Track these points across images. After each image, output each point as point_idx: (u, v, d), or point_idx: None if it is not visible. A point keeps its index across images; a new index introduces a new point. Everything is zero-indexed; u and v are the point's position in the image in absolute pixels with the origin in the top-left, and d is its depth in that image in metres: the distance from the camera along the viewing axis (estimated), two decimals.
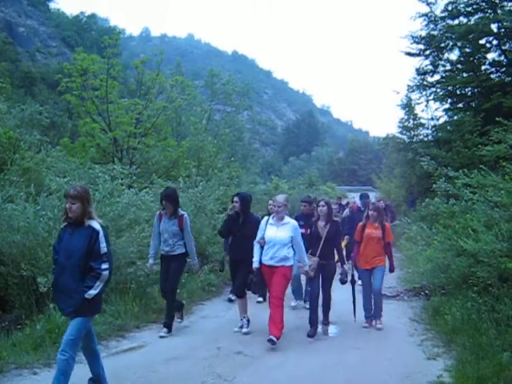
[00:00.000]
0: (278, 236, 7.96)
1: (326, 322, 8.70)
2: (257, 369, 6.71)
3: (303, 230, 8.95)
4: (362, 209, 12.82)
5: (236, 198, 8.95)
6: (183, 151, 21.01)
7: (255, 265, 8.10)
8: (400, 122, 25.45)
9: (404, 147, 25.00)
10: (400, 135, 26.03)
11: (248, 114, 43.87)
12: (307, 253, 8.33)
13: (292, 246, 8.09)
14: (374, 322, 9.09)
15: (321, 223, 8.65)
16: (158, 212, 8.81)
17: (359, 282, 9.72)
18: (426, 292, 10.95)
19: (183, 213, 8.64)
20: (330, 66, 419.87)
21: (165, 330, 8.24)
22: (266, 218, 8.42)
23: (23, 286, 8.24)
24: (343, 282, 8.74)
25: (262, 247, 8.14)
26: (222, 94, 31.61)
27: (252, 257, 8.14)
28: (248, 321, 8.65)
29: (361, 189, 50.79)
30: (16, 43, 63.39)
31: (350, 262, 9.91)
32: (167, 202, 8.43)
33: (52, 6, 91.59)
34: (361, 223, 9.26)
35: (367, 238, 9.03)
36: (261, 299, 10.53)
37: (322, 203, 8.69)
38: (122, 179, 12.14)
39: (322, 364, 6.83)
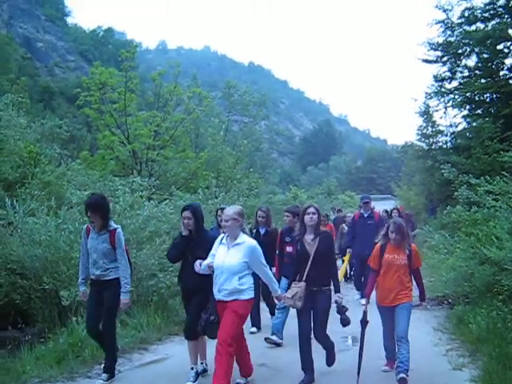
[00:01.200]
0: (226, 261, 5.98)
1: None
2: (280, 381, 6.64)
3: (290, 249, 8.01)
4: (366, 215, 12.03)
5: (187, 213, 6.66)
6: (202, 162, 21.11)
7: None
8: (418, 130, 25.37)
9: (423, 155, 24.88)
10: (419, 143, 25.95)
11: (265, 124, 44.04)
12: (295, 277, 6.64)
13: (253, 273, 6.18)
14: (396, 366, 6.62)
15: (308, 237, 6.57)
16: (85, 226, 6.95)
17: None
18: (450, 301, 10.81)
19: (116, 226, 6.73)
20: (347, 74, 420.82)
21: (104, 375, 6.48)
22: (221, 236, 6.34)
23: (46, 299, 8.28)
24: (344, 322, 6.64)
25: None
26: (240, 104, 31.71)
27: (207, 286, 6.25)
28: (204, 370, 6.84)
29: (379, 197, 50.62)
30: (35, 58, 64.33)
31: (363, 296, 7.90)
32: (92, 213, 6.56)
33: (69, 20, 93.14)
34: (378, 244, 6.88)
35: (387, 266, 6.65)
36: (254, 329, 9.10)
37: (310, 210, 6.59)
38: (141, 191, 12.19)
39: (346, 375, 6.75)
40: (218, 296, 6.05)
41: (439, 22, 20.61)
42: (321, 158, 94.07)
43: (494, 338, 7.31)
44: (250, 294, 6.08)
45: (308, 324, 6.56)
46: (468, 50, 20.11)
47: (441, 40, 20.87)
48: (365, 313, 6.83)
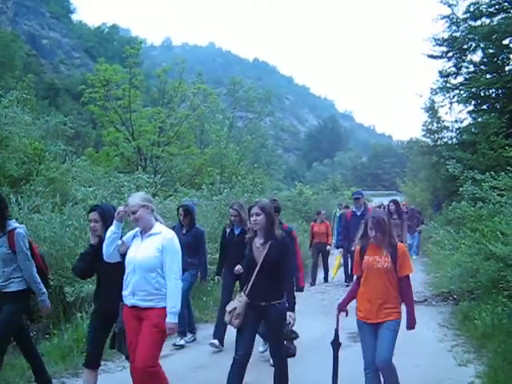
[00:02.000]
0: (138, 255, 4.89)
1: None
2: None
3: None
4: (359, 213, 11.41)
5: (94, 215, 5.36)
6: (206, 159, 21.09)
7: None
8: (424, 125, 25.35)
9: (428, 150, 24.86)
10: (424, 138, 25.92)
11: (270, 121, 43.95)
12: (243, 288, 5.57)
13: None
14: None
15: (257, 241, 5.41)
16: None
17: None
18: (455, 297, 10.80)
19: (15, 226, 5.59)
20: (352, 70, 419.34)
21: None
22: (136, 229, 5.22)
23: (50, 295, 8.26)
24: (289, 353, 5.59)
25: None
26: (244, 101, 31.68)
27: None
28: None
29: (385, 193, 50.53)
30: (40, 55, 64.36)
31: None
32: None
33: (74, 17, 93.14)
34: (358, 246, 5.60)
35: (367, 271, 5.35)
36: (215, 342, 7.82)
37: (253, 210, 5.37)
38: (146, 188, 12.20)
39: (350, 371, 6.74)
40: (130, 300, 4.86)
41: (444, 17, 20.57)
42: (326, 154, 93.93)
43: (500, 334, 7.31)
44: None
45: (247, 347, 5.33)
46: (473, 45, 20.05)
47: (446, 35, 20.85)
48: (336, 332, 5.64)
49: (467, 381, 6.24)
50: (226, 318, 5.31)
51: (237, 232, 7.91)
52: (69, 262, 8.40)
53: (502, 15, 18.98)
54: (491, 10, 19.16)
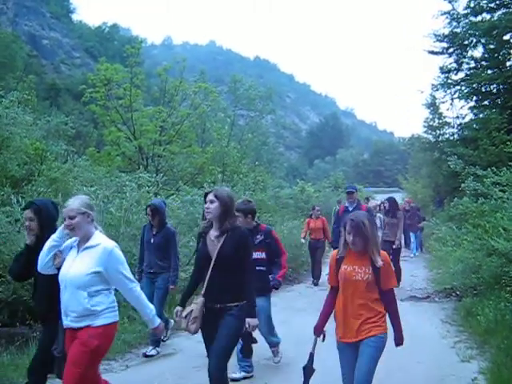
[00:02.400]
0: (71, 271, 4.31)
1: None
2: (288, 375, 6.64)
3: (260, 255, 6.64)
4: (351, 209, 10.39)
5: (29, 212, 4.85)
6: (208, 157, 21.09)
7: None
8: (425, 122, 25.37)
9: (430, 147, 24.86)
10: (425, 135, 25.95)
11: (272, 119, 43.95)
12: (193, 288, 5.08)
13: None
14: None
15: (212, 233, 4.80)
16: None
17: None
18: (457, 293, 10.81)
19: None
20: (353, 67, 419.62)
21: None
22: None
23: None
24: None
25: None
26: (245, 99, 31.65)
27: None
28: None
29: (387, 190, 50.52)
30: (40, 56, 64.42)
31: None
32: None
33: (75, 17, 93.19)
34: (334, 252, 4.91)
35: (344, 283, 4.59)
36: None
37: (208, 197, 4.79)
38: (148, 187, 12.21)
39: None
40: (64, 321, 4.36)
41: (445, 13, 20.55)
42: (327, 152, 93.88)
43: (503, 330, 7.31)
44: (107, 318, 4.35)
45: (212, 362, 4.64)
46: (474, 40, 20.03)
47: (447, 31, 20.83)
48: (311, 356, 4.85)
49: (470, 377, 6.24)
50: (182, 324, 4.71)
51: None
52: None
53: (502, 10, 18.94)
54: (492, 5, 19.14)
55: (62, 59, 71.94)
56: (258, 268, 6.33)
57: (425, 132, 25.90)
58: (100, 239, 4.43)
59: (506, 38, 19.00)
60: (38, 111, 21.76)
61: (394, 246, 12.50)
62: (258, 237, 6.64)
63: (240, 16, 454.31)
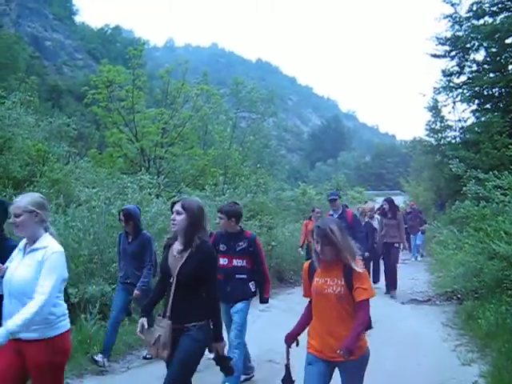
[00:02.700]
0: (16, 276, 3.83)
1: None
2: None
3: (225, 261, 6.17)
4: (336, 216, 9.89)
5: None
6: (210, 159, 21.10)
7: None
8: (427, 125, 25.38)
9: (432, 150, 24.85)
10: (427, 138, 25.94)
11: (273, 121, 43.96)
12: (151, 307, 4.69)
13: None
14: None
15: (176, 247, 4.37)
16: None
17: None
18: (459, 296, 10.80)
19: None
20: (355, 70, 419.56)
21: None
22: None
23: None
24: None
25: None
26: (247, 101, 31.69)
27: None
28: None
29: (388, 193, 50.51)
30: (43, 57, 64.60)
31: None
32: None
33: (77, 19, 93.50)
34: (306, 264, 4.44)
35: (316, 297, 4.21)
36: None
37: (176, 207, 4.35)
38: (150, 189, 12.22)
39: None
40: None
41: (447, 16, 20.58)
42: (329, 154, 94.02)
43: (503, 334, 7.31)
44: (61, 328, 3.89)
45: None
46: (476, 44, 20.05)
47: (449, 34, 20.87)
48: (287, 368, 4.37)
49: (471, 380, 6.24)
50: (151, 350, 4.31)
51: None
52: (73, 264, 8.43)
53: (504, 14, 18.97)
54: (494, 8, 19.17)
55: (65, 61, 72.12)
56: (238, 276, 6.13)
57: (427, 135, 25.93)
58: (47, 242, 3.89)
59: (508, 41, 19.02)
60: (40, 112, 21.79)
61: (401, 250, 12.53)
62: (240, 243, 6.18)
63: (242, 18, 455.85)
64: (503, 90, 19.36)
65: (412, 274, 15.49)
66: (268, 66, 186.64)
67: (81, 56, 76.74)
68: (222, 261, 6.09)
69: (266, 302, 6.51)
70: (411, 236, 19.29)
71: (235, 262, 6.12)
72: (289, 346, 4.38)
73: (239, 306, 6.11)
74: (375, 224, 13.03)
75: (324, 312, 4.12)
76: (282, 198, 24.62)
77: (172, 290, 4.22)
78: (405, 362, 7.08)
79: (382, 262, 13.12)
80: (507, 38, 18.81)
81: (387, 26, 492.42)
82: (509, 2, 18.71)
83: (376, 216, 13.52)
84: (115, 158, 20.20)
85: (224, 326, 5.55)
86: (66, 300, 8.08)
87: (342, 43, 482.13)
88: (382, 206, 13.66)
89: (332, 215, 10.06)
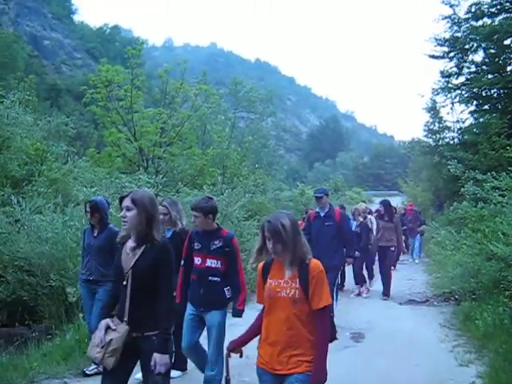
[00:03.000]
0: None
1: None
2: None
3: (199, 261, 5.64)
4: (323, 214, 9.25)
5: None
6: (208, 159, 21.11)
7: None
8: (425, 126, 25.35)
9: (430, 151, 24.85)
10: (425, 139, 25.91)
11: (272, 121, 44.00)
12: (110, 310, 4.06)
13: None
14: None
15: (129, 245, 3.96)
16: None
17: None
18: (456, 297, 10.80)
19: None
20: (354, 71, 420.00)
21: None
22: None
23: (52, 296, 8.33)
24: None
25: None
26: (246, 101, 31.71)
27: None
28: None
29: (386, 193, 50.60)
30: (42, 56, 64.62)
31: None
32: None
33: (76, 18, 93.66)
34: (260, 264, 3.85)
35: (269, 300, 3.73)
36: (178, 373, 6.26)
37: (125, 202, 3.88)
38: (148, 188, 12.23)
39: (351, 371, 6.75)
40: None
41: (446, 17, 20.57)
42: (327, 155, 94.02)
43: (501, 334, 7.31)
44: None
45: None
46: (475, 45, 20.04)
47: (447, 35, 20.85)
48: (227, 381, 3.97)
49: (468, 381, 6.23)
50: (96, 353, 3.75)
51: (168, 235, 6.28)
52: (71, 263, 8.46)
53: (503, 15, 18.97)
54: (493, 10, 19.16)
55: (63, 60, 72.20)
56: (211, 278, 5.50)
57: (425, 136, 25.87)
58: None
59: (507, 42, 19.03)
60: (39, 112, 21.82)
61: (400, 255, 12.45)
62: (215, 242, 5.56)
63: (241, 18, 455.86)
64: (502, 91, 19.37)
65: (410, 274, 15.50)
66: (267, 65, 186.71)
67: (79, 55, 76.80)
68: (196, 260, 5.63)
69: (239, 315, 5.59)
70: (410, 239, 19.13)
71: (209, 262, 5.55)
72: (228, 356, 3.94)
73: (215, 318, 5.49)
74: (369, 224, 12.99)
75: (276, 318, 3.64)
76: (281, 198, 24.69)
77: (128, 292, 3.78)
78: (402, 362, 7.09)
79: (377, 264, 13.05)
80: (506, 39, 18.81)
81: (386, 27, 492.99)
82: (507, 3, 18.71)
83: (369, 217, 13.44)
84: (114, 157, 20.21)
85: (185, 332, 5.58)
86: (64, 299, 8.15)
87: (340, 43, 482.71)
88: (377, 209, 13.57)
89: (318, 213, 9.33)
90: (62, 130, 18.22)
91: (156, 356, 3.65)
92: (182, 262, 5.77)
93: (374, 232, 12.73)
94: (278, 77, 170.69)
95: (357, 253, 12.29)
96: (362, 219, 12.77)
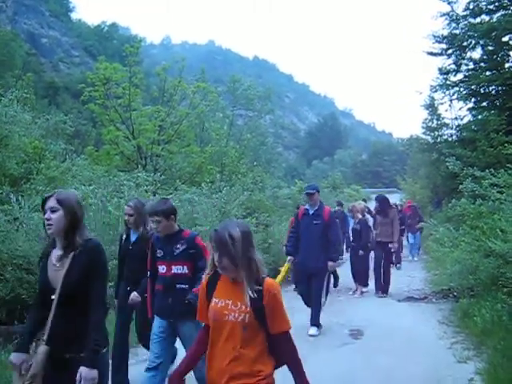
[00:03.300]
0: None
1: None
2: (285, 374, 6.65)
3: (163, 269, 5.21)
4: (311, 212, 8.79)
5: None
6: (206, 157, 21.11)
7: None
8: (424, 123, 25.33)
9: (428, 148, 24.84)
10: (424, 136, 25.90)
11: (270, 119, 43.99)
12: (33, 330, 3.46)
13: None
14: None
15: (55, 254, 3.47)
16: None
17: None
18: (455, 294, 10.81)
19: None
20: (352, 68, 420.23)
21: None
22: None
23: None
24: None
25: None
26: (244, 99, 31.67)
27: None
28: None
29: (385, 191, 50.67)
30: (39, 54, 64.55)
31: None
32: None
33: (74, 16, 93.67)
34: (206, 277, 3.31)
35: (214, 323, 3.15)
36: None
37: (49, 203, 3.51)
38: (146, 186, 12.24)
39: (350, 368, 6.76)
40: None
41: (444, 14, 20.55)
42: (326, 152, 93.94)
43: (499, 331, 7.32)
44: None
45: None
46: (473, 42, 20.03)
47: (446, 32, 20.82)
48: None
49: (467, 378, 6.25)
50: (16, 381, 3.28)
51: (133, 239, 6.10)
52: None
53: (501, 12, 18.95)
54: (491, 7, 19.15)
55: (61, 58, 72.11)
56: (178, 286, 5.07)
57: (423, 133, 25.87)
58: None
59: (505, 39, 19.02)
60: (37, 110, 21.79)
61: (392, 250, 12.39)
62: (178, 246, 5.12)
63: (239, 16, 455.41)
64: (500, 88, 19.38)
65: (408, 271, 15.53)
66: (265, 63, 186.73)
67: (77, 53, 76.72)
68: (161, 268, 5.20)
69: (194, 301, 4.52)
70: (410, 235, 19.08)
71: (174, 269, 5.10)
72: None
73: (188, 331, 4.97)
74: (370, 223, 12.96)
75: (223, 345, 3.08)
76: (279, 195, 24.62)
77: (52, 308, 3.25)
78: (401, 359, 7.10)
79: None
80: (504, 36, 18.80)
81: (384, 24, 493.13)
82: (506, 0, 18.71)
83: (367, 216, 13.42)
84: (112, 155, 20.21)
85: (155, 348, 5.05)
86: None
87: (338, 41, 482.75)
88: (372, 211, 13.54)
89: (307, 210, 8.86)
90: (60, 128, 18.20)
91: (82, 370, 3.14)
92: (149, 273, 5.44)
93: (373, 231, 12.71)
94: (276, 74, 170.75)
95: (361, 251, 12.28)
96: (361, 216, 12.71)
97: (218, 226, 3.22)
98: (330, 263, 8.60)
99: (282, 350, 3.17)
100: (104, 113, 20.61)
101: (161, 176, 16.04)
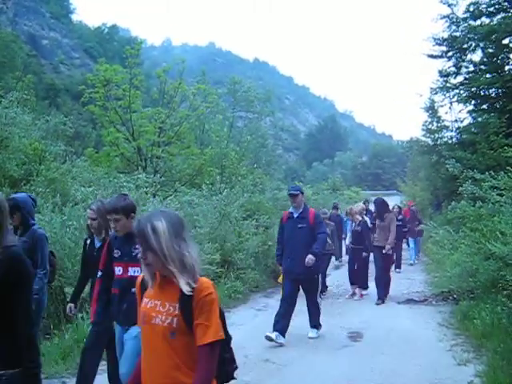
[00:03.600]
0: None
1: None
2: (285, 376, 6.66)
3: (119, 271, 4.84)
4: (296, 215, 8.47)
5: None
6: (206, 159, 21.10)
7: None
8: (424, 125, 25.29)
9: (428, 150, 24.82)
10: (424, 138, 25.85)
11: (270, 121, 43.95)
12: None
13: None
14: None
15: None
16: None
17: None
18: (454, 296, 10.82)
19: None
20: (352, 70, 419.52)
21: None
22: None
23: (51, 295, 8.31)
24: None
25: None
26: (244, 101, 31.68)
27: None
28: None
29: (385, 193, 50.66)
30: (40, 56, 64.59)
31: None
32: None
33: (74, 18, 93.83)
34: (140, 276, 3.02)
35: (144, 326, 2.72)
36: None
37: None
38: (146, 188, 12.24)
39: (350, 370, 6.76)
40: None
41: (444, 16, 20.54)
42: (326, 154, 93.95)
43: (499, 334, 7.33)
44: None
45: None
46: (473, 44, 20.02)
47: (446, 35, 20.81)
48: None
49: (467, 380, 6.25)
50: None
51: (97, 245, 5.75)
52: (69, 263, 8.46)
53: (501, 15, 18.95)
54: (491, 9, 19.15)
55: (62, 59, 72.11)
56: (134, 290, 4.04)
57: (423, 135, 25.82)
58: None
59: (505, 42, 19.02)
60: (37, 111, 21.78)
61: (383, 251, 11.76)
62: (137, 246, 3.79)
63: (240, 18, 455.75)
64: (500, 90, 19.36)
65: (408, 273, 15.53)
66: (265, 65, 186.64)
67: (78, 55, 76.77)
68: (117, 270, 4.80)
69: None
70: (410, 239, 18.90)
71: (131, 271, 4.66)
72: None
73: (135, 330, 4.28)
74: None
75: (149, 351, 2.70)
76: (279, 197, 24.56)
77: None
78: (400, 361, 7.09)
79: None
80: (504, 38, 18.81)
81: (384, 27, 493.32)
82: (506, 3, 18.72)
83: (365, 218, 13.35)
84: (112, 157, 20.18)
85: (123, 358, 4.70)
86: (63, 299, 8.14)
87: (338, 43, 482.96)
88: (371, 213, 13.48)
89: (292, 213, 8.50)
90: (60, 129, 18.19)
91: None
92: (99, 274, 5.05)
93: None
94: (277, 76, 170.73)
95: (364, 253, 12.20)
96: (360, 218, 12.63)
97: (140, 218, 2.84)
98: (309, 256, 7.94)
99: (199, 359, 2.58)
100: (104, 114, 20.59)
101: (161, 178, 16.05)
